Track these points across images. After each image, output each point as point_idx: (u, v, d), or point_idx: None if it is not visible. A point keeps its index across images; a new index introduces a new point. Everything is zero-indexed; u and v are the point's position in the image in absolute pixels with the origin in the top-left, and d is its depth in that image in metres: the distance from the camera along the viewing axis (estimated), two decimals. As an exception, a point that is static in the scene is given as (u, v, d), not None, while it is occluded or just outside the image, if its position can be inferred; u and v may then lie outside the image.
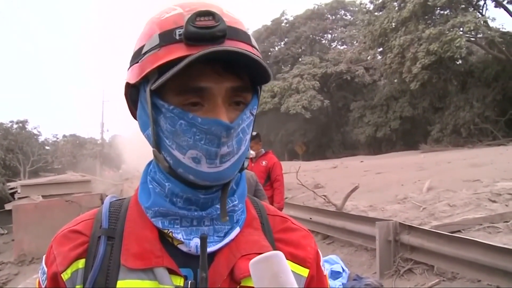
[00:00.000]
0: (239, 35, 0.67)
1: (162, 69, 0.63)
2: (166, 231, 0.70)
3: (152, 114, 0.66)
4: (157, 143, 0.68)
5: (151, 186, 0.72)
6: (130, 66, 0.71)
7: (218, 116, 0.65)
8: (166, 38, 0.65)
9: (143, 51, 0.67)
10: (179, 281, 0.67)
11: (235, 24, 0.67)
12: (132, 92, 0.73)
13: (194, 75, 0.62)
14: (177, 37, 0.64)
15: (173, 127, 0.65)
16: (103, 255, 0.69)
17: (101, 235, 0.71)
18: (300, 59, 36.02)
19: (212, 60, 0.63)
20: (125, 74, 0.74)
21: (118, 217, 0.74)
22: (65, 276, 0.69)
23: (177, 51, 0.63)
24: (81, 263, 0.70)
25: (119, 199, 0.80)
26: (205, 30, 0.62)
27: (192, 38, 0.63)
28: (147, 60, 0.65)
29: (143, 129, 0.72)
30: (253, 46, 0.68)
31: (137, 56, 0.69)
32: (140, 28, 0.75)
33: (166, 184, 0.70)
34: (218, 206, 0.70)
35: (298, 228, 0.82)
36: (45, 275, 0.72)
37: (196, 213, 0.69)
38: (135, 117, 0.77)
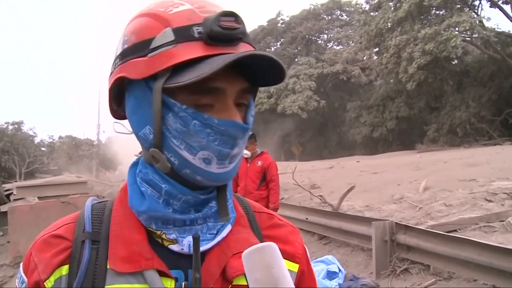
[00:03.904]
0: (248, 37, 0.67)
1: (176, 66, 0.61)
2: (159, 232, 0.68)
3: (161, 112, 0.63)
4: (160, 143, 0.65)
5: (143, 188, 0.69)
6: (128, 60, 0.65)
7: (232, 117, 0.64)
8: (183, 34, 0.62)
9: (153, 45, 0.62)
10: (170, 283, 0.65)
11: (245, 26, 0.66)
12: (126, 87, 0.69)
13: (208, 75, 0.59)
14: (196, 35, 0.62)
15: (185, 127, 0.63)
16: (88, 260, 0.66)
17: (85, 239, 0.68)
18: (296, 60, 36.10)
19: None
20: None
21: (102, 219, 0.71)
22: (48, 284, 0.66)
23: (197, 50, 0.61)
24: (64, 269, 0.66)
25: (101, 201, 0.77)
26: (229, 31, 0.62)
27: (215, 38, 0.61)
28: (160, 55, 0.61)
29: (138, 127, 0.68)
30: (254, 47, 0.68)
31: (140, 49, 0.64)
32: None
33: (163, 186, 0.67)
34: (212, 205, 0.69)
35: (285, 224, 0.82)
36: (24, 284, 0.68)
37: (192, 215, 0.68)
38: (114, 113, 0.75)
